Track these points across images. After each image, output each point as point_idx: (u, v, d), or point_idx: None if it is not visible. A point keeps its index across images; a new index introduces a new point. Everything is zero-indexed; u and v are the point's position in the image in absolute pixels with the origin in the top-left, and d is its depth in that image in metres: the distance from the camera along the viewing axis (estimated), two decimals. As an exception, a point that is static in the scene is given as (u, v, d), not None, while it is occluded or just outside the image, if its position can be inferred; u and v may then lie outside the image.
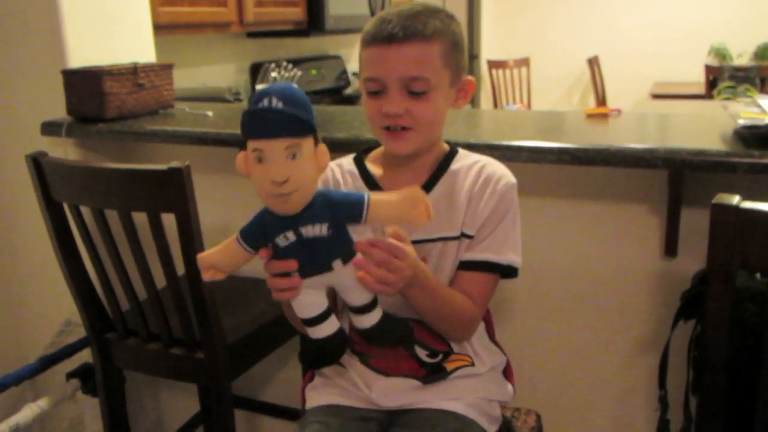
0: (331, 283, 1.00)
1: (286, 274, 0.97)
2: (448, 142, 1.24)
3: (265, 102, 0.88)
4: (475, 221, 1.16)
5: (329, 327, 1.03)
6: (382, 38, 1.09)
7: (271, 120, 0.88)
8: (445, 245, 1.17)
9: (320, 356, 1.07)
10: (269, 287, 0.99)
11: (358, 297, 1.01)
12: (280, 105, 0.88)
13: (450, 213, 1.16)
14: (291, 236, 0.94)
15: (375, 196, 0.96)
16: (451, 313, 1.15)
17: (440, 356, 1.19)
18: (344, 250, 0.97)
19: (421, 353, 1.18)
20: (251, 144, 0.90)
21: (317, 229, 0.94)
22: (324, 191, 0.95)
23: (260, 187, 0.91)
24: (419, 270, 1.04)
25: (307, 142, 0.91)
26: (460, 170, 1.19)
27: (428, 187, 1.18)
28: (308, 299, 1.00)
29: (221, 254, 0.98)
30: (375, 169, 1.22)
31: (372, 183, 1.20)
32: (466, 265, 1.17)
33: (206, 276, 0.98)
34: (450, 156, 1.21)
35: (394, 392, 1.18)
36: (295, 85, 0.93)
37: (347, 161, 1.25)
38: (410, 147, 1.15)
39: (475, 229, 1.16)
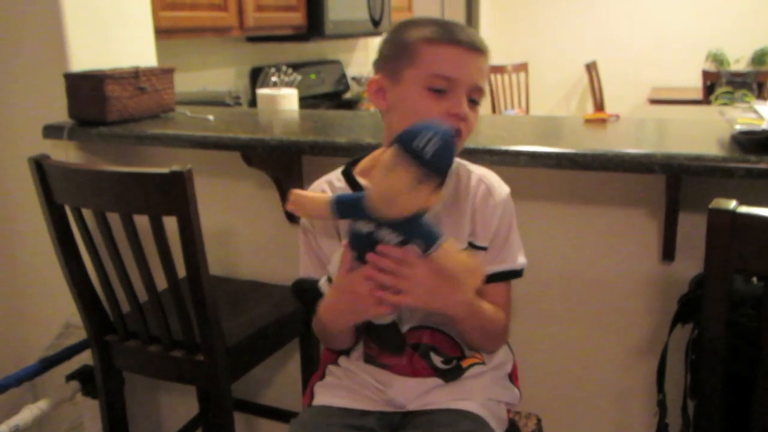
0: None
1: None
2: None
3: None
4: (486, 233, 1.18)
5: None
6: (465, 43, 1.11)
7: None
8: None
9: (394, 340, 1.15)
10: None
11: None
12: None
13: (453, 224, 1.17)
14: (367, 228, 1.03)
15: (447, 245, 1.02)
16: (494, 330, 1.21)
17: (454, 362, 1.21)
18: None
19: (436, 360, 1.19)
20: None
21: (391, 237, 1.02)
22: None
23: None
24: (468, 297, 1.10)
25: None
26: (457, 182, 1.19)
27: None
28: None
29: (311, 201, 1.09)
30: (366, 183, 1.21)
31: None
32: (493, 278, 1.19)
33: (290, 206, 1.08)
34: None
35: (410, 391, 1.19)
36: None
37: (336, 177, 1.24)
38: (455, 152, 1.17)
39: (487, 241, 1.18)
